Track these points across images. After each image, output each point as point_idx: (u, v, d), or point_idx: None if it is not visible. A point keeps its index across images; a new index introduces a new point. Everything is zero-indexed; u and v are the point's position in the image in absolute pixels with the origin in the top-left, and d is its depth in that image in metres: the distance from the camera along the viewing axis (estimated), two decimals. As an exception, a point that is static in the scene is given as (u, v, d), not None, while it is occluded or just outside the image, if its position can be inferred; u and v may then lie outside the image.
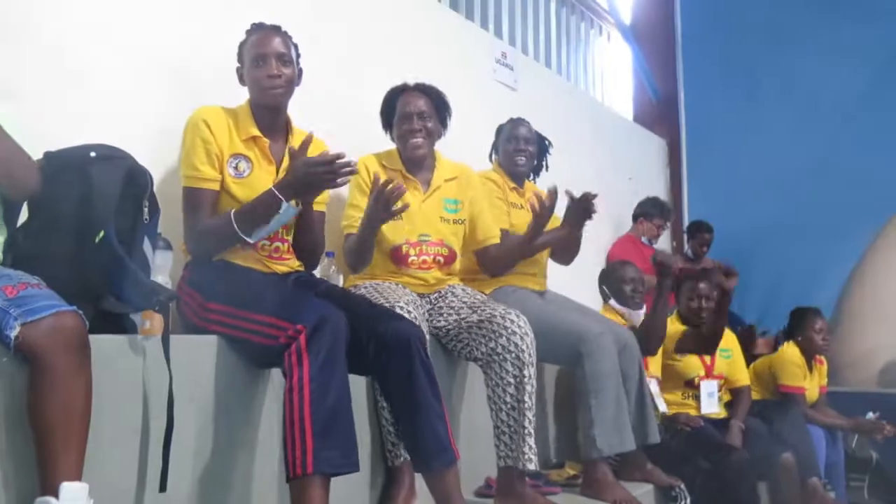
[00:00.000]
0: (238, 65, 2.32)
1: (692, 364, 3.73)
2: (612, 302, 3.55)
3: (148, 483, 1.79)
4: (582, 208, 2.93)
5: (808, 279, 5.32)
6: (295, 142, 2.30)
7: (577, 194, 2.92)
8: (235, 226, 2.10)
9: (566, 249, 3.30)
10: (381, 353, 2.08)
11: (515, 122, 3.25)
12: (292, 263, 2.34)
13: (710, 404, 3.71)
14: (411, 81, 2.81)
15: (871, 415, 4.17)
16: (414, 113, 2.72)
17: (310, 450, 1.76)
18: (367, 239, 2.51)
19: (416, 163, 2.78)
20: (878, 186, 5.20)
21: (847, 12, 5.47)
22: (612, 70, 6.32)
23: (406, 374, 2.09)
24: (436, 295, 2.73)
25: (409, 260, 2.69)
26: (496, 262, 2.97)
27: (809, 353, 4.20)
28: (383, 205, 2.34)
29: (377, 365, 2.10)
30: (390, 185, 2.32)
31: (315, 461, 1.75)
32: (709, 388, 3.72)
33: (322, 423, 1.77)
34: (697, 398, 3.72)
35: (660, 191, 5.99)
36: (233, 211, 2.13)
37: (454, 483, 2.14)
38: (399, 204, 2.36)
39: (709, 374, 3.75)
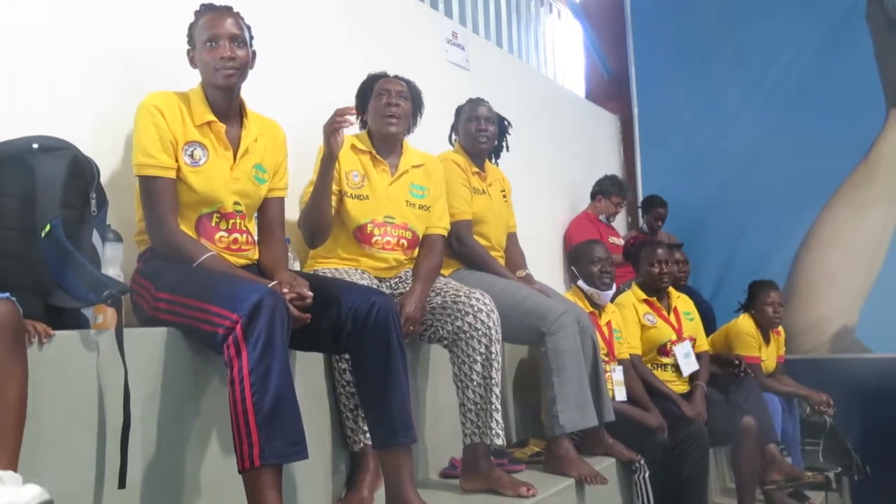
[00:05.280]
0: (188, 47, 2.23)
1: (663, 330, 3.78)
2: (581, 283, 3.55)
3: (107, 480, 1.75)
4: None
5: (763, 250, 5.41)
6: (251, 126, 2.26)
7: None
8: (200, 262, 2.06)
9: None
10: (359, 327, 2.07)
11: (475, 102, 3.25)
12: (251, 255, 2.30)
13: (689, 364, 3.75)
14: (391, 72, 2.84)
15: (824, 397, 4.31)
16: (392, 90, 2.74)
17: (256, 442, 1.74)
18: (321, 192, 2.50)
19: (388, 142, 2.76)
20: (828, 157, 5.29)
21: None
22: (564, 48, 6.32)
23: (384, 348, 2.08)
24: (395, 280, 2.72)
25: (373, 240, 2.67)
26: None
27: (763, 325, 4.27)
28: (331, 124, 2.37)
29: (353, 339, 2.09)
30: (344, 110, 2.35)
31: (262, 453, 1.74)
32: (683, 350, 3.76)
33: (265, 415, 1.75)
34: (671, 367, 3.75)
35: (614, 167, 6.03)
36: (214, 256, 2.09)
37: (409, 468, 2.14)
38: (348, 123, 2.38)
39: (680, 336, 3.80)
